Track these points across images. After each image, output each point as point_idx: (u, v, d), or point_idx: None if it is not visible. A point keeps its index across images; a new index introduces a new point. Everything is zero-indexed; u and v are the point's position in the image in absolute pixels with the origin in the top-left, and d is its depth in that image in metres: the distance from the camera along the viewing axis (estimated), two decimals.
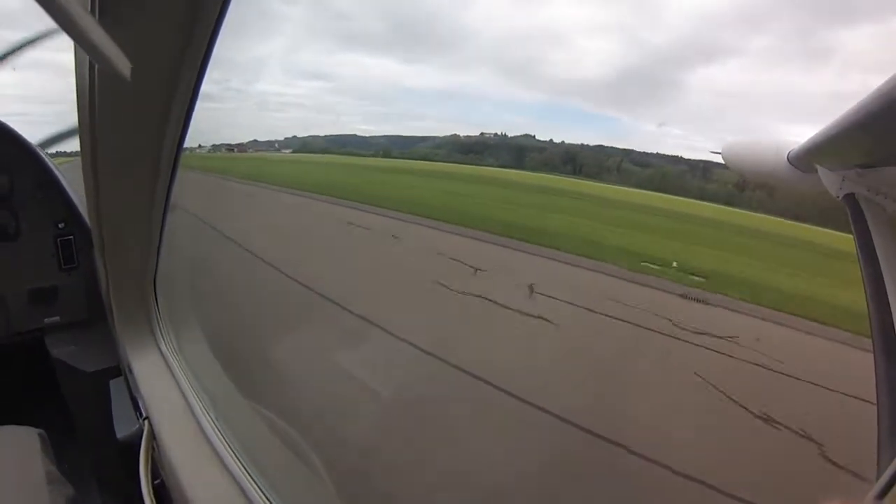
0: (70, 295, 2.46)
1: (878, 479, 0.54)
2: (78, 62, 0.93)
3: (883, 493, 0.52)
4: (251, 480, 1.15)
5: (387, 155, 17.68)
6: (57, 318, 2.43)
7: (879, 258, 0.98)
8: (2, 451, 1.57)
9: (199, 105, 1.00)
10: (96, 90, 0.87)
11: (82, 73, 0.91)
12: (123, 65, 0.63)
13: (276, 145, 18.74)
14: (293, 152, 18.84)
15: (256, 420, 1.82)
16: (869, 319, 1.01)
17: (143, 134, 1.00)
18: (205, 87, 0.95)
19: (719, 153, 2.27)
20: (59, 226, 2.44)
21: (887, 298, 0.94)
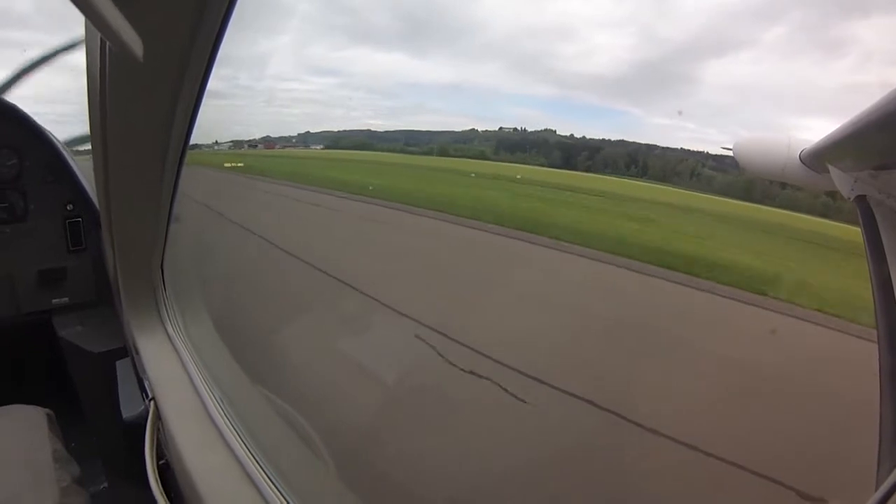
0: (78, 276, 2.48)
1: (877, 487, 0.53)
2: (89, 42, 0.93)
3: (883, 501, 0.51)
4: (255, 462, 1.17)
5: (442, 153, 16.21)
6: (65, 300, 2.46)
7: (889, 262, 0.97)
8: (10, 430, 1.60)
9: (210, 103, 0.99)
10: (107, 71, 0.86)
11: (93, 54, 0.90)
12: (135, 44, 0.63)
13: (294, 140, 17.98)
14: (324, 148, 18.07)
15: (261, 402, 1.84)
16: (876, 323, 1.01)
17: (154, 116, 1.00)
18: (215, 84, 0.95)
19: (730, 149, 2.25)
20: (68, 207, 2.46)
21: None
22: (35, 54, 3.09)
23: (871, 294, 1.00)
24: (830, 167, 1.31)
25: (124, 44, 0.59)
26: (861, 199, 1.11)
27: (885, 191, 1.04)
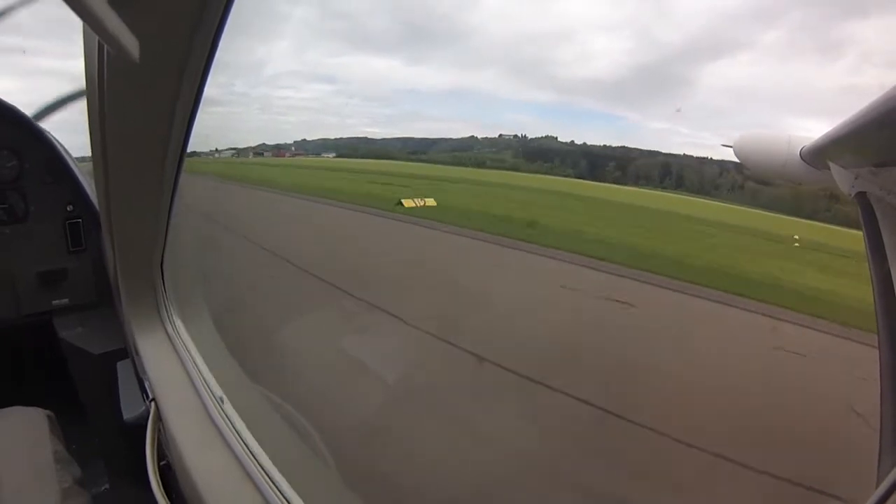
0: (78, 277, 2.48)
1: (878, 485, 0.53)
2: (87, 45, 0.93)
3: (883, 500, 0.50)
4: (256, 462, 1.17)
5: (479, 164, 15.26)
6: (65, 301, 2.45)
7: (889, 259, 0.96)
8: (11, 432, 1.61)
9: (207, 110, 0.99)
10: (105, 74, 0.86)
11: (91, 57, 0.90)
12: (132, 46, 0.62)
13: (294, 147, 17.78)
14: (336, 157, 17.57)
15: (261, 402, 1.84)
16: (876, 318, 1.00)
17: (153, 118, 0.99)
18: (211, 91, 0.95)
19: (730, 147, 2.25)
20: (68, 208, 2.46)
21: None
22: (38, 62, 3.05)
23: (872, 291, 1.00)
24: (831, 164, 1.31)
25: (122, 46, 0.59)
26: (861, 196, 1.10)
27: (885, 187, 1.04)
